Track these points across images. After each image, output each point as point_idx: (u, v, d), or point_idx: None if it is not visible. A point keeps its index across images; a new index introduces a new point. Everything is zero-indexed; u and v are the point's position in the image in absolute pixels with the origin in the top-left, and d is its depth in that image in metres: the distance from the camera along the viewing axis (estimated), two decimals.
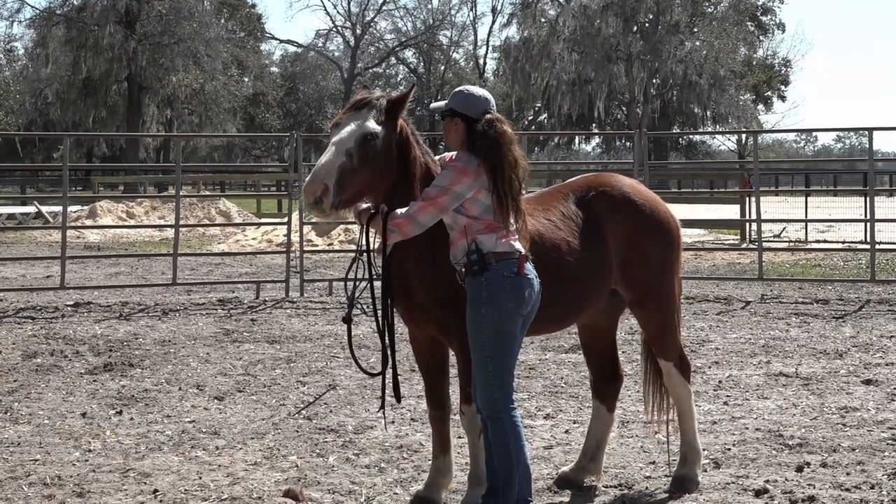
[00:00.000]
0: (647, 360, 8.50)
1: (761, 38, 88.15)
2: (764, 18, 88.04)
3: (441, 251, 7.00)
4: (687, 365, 8.21)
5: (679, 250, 8.14)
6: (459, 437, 8.76)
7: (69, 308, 18.11)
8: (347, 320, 7.30)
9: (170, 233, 29.11)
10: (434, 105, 7.18)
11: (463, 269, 6.82)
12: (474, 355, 6.83)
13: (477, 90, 7.04)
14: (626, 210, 7.73)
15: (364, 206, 7.01)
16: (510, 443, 6.80)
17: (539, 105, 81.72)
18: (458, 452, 8.69)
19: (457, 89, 7.08)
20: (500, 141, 6.83)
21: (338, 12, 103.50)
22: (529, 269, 6.86)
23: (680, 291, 8.26)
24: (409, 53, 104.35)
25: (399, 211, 6.80)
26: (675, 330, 8.12)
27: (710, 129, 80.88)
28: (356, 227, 28.24)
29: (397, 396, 7.37)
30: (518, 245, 6.86)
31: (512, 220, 6.85)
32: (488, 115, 6.90)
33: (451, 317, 7.01)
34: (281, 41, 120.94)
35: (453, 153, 7.18)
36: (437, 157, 7.37)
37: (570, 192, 7.76)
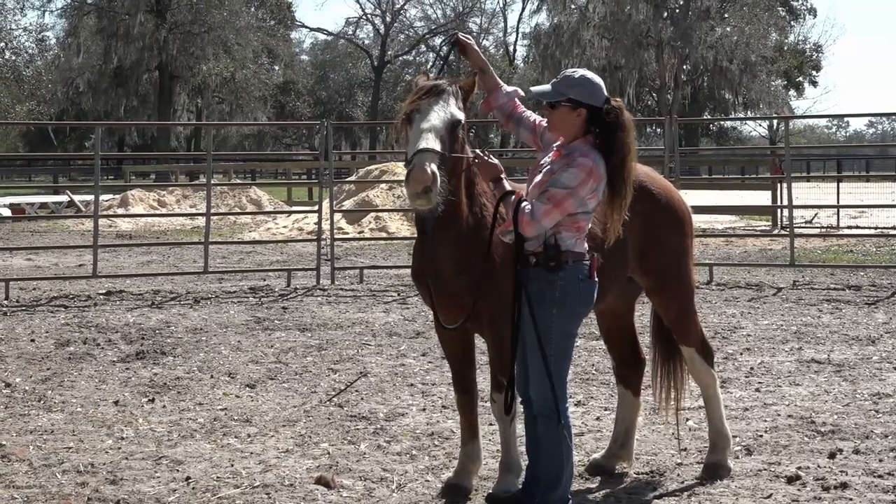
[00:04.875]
0: (655, 345, 8.49)
1: (792, 23, 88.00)
2: (795, 3, 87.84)
3: (477, 236, 6.96)
4: (709, 350, 8.19)
5: (693, 236, 8.14)
6: (490, 425, 8.77)
7: (101, 296, 18.19)
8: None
9: (201, 221, 29.17)
10: (539, 90, 6.83)
11: (533, 259, 6.67)
12: (534, 353, 6.70)
13: (594, 76, 6.76)
14: (642, 199, 7.59)
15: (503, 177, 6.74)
16: (562, 443, 6.75)
17: None
18: (490, 440, 8.71)
19: (572, 75, 6.74)
20: (631, 134, 6.65)
21: (368, 0, 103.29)
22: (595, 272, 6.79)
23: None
24: (438, 41, 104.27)
25: (524, 205, 6.55)
26: (694, 315, 8.11)
27: (741, 115, 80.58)
28: (386, 215, 28.33)
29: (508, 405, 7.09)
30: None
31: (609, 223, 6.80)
32: (613, 103, 6.67)
33: (484, 304, 6.97)
34: (311, 29, 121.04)
35: (539, 121, 7.05)
36: (536, 119, 7.19)
37: None
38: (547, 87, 6.78)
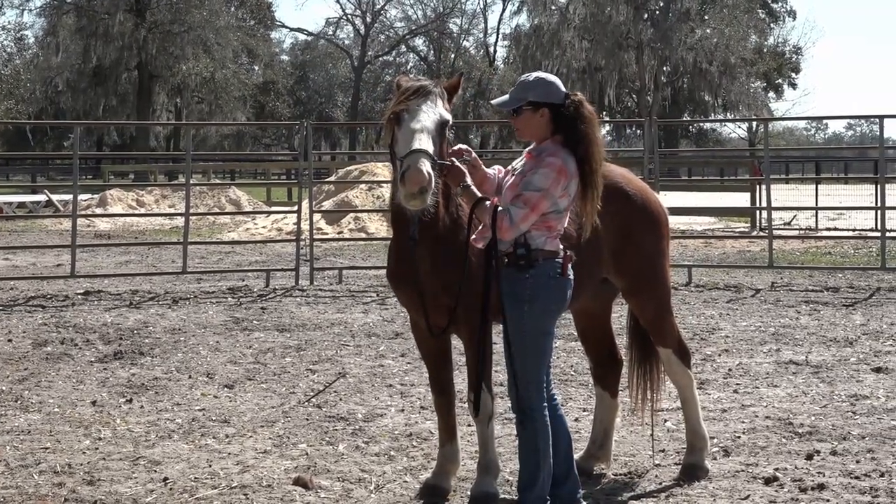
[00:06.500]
0: (632, 347, 8.52)
1: (772, 25, 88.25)
2: (775, 6, 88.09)
3: (454, 236, 6.97)
4: (686, 351, 8.20)
5: (668, 237, 8.16)
6: (469, 426, 8.76)
7: (79, 296, 18.14)
8: None
9: (180, 221, 29.13)
10: (499, 101, 6.91)
11: (505, 259, 6.71)
12: (510, 351, 6.74)
13: (548, 75, 6.84)
14: (618, 200, 7.64)
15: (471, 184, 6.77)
16: (539, 442, 6.75)
17: None
18: (468, 441, 8.70)
19: (527, 79, 6.81)
20: (593, 124, 6.70)
21: (348, 0, 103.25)
22: (570, 268, 6.81)
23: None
24: (419, 41, 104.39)
25: (501, 211, 6.58)
26: (671, 316, 8.14)
27: (720, 117, 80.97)
28: (365, 216, 28.31)
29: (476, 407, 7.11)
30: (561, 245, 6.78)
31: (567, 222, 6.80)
32: (573, 97, 6.72)
33: (460, 305, 6.96)
34: (291, 29, 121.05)
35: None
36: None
37: None
38: (505, 97, 6.88)
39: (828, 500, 7.49)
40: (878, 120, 21.63)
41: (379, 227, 28.33)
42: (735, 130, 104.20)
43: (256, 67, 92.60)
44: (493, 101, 7.09)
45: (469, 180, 6.74)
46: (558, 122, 6.71)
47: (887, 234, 20.52)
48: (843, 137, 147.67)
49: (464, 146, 6.97)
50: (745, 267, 21.60)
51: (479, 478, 7.38)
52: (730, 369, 11.97)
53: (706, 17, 75.65)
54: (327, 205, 29.95)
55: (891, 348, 13.15)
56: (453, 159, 6.79)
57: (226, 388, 11.23)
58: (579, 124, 6.67)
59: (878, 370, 11.81)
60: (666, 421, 9.51)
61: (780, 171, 50.96)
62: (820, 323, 15.04)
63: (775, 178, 30.57)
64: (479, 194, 6.72)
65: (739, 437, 9.14)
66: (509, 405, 6.97)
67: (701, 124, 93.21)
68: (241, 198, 38.75)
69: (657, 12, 74.14)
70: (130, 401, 10.66)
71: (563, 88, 6.78)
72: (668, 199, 15.26)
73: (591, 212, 6.80)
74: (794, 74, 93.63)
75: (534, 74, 6.87)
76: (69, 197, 29.50)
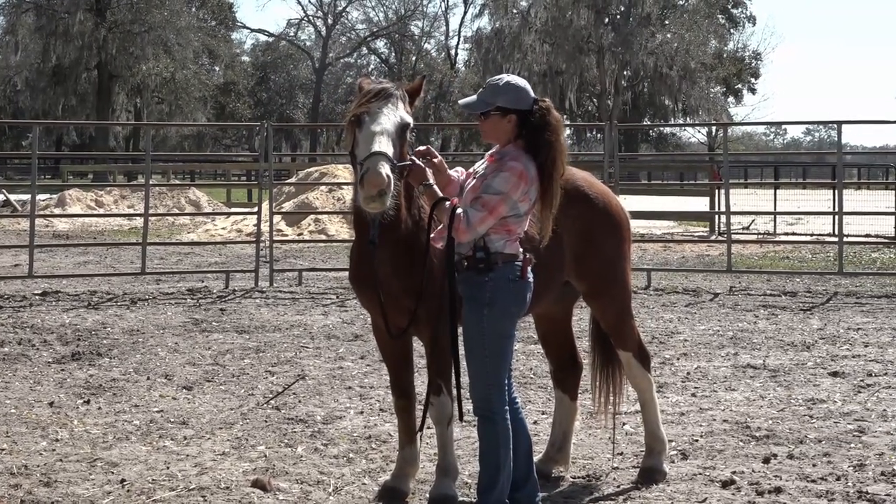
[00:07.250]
0: (594, 350, 8.54)
1: (732, 30, 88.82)
2: (735, 11, 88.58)
3: (416, 238, 6.97)
4: (646, 355, 8.23)
5: (630, 241, 8.18)
6: (428, 428, 8.76)
7: (37, 297, 18.02)
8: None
9: (139, 222, 29.00)
10: (467, 102, 6.90)
11: (465, 263, 6.70)
12: (471, 354, 6.74)
13: (518, 80, 6.81)
14: (579, 203, 7.68)
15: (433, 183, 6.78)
16: (500, 445, 6.74)
17: None
18: (427, 443, 8.70)
19: (497, 83, 6.77)
20: (558, 133, 6.70)
21: (309, 2, 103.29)
22: (529, 271, 6.82)
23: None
24: (380, 44, 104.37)
25: (459, 212, 6.57)
26: (631, 320, 8.16)
27: (680, 122, 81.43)
28: (325, 218, 28.27)
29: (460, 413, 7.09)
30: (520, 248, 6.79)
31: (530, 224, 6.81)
32: (540, 104, 6.71)
33: (421, 307, 6.96)
34: (252, 30, 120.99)
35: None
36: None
37: None
38: (473, 98, 6.86)
39: None
40: (836, 126, 21.78)
41: (339, 229, 28.30)
42: (695, 135, 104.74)
43: (217, 68, 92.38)
44: (460, 102, 7.07)
45: (431, 179, 6.75)
46: (524, 128, 6.71)
47: (844, 239, 20.67)
48: (801, 143, 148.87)
49: (426, 148, 6.97)
50: (704, 271, 21.71)
51: (437, 480, 7.38)
52: (688, 373, 12.02)
53: (667, 22, 76.09)
54: (287, 206, 29.90)
55: (847, 352, 13.24)
56: (414, 158, 6.79)
57: (184, 390, 11.18)
58: (544, 132, 6.67)
59: (834, 374, 11.89)
60: (624, 424, 9.54)
61: (739, 176, 51.32)
62: (778, 327, 15.12)
63: (734, 182, 30.72)
64: (441, 194, 6.72)
65: (697, 441, 9.18)
66: (470, 407, 6.96)
67: (661, 128, 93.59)
68: (201, 199, 38.65)
69: (618, 17, 74.49)
70: (88, 402, 10.60)
71: (532, 94, 6.77)
72: (627, 202, 15.31)
73: (549, 219, 6.81)
74: (753, 80, 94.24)
75: (504, 78, 6.82)
76: (27, 197, 29.37)
